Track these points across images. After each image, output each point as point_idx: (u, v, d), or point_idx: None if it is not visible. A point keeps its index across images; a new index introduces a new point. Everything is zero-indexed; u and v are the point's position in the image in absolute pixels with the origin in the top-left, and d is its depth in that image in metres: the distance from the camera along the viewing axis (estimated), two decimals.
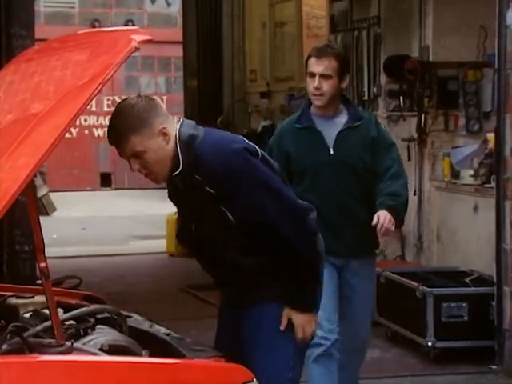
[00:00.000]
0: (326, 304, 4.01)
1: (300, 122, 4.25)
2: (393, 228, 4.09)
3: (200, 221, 3.11)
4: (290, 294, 3.10)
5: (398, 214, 4.13)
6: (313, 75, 4.16)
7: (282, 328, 3.09)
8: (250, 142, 3.13)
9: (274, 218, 3.02)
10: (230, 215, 3.01)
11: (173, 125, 3.02)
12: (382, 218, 4.06)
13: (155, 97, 3.14)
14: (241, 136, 3.20)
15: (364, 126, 4.24)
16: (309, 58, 4.20)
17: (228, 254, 3.10)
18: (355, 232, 4.21)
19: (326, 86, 4.14)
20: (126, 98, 3.01)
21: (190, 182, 3.00)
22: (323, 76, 4.14)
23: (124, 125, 2.91)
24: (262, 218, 3.02)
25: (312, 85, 4.16)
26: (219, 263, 3.15)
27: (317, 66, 4.15)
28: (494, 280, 5.64)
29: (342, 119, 4.24)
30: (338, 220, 4.19)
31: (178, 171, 2.98)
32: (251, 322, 3.13)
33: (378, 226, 4.06)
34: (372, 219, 4.10)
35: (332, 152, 4.21)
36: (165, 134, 2.97)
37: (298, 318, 3.10)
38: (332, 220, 4.14)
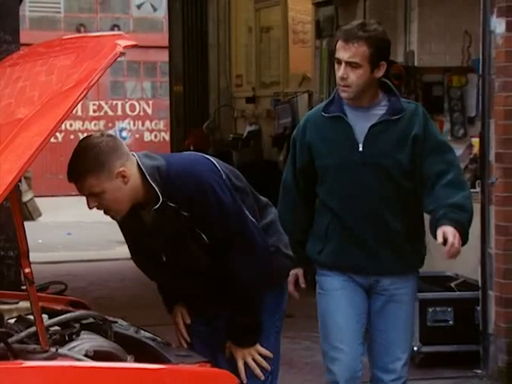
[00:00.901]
0: (344, 335, 3.52)
1: (328, 110, 3.56)
2: (460, 248, 3.37)
3: (174, 248, 3.12)
4: (228, 329, 3.17)
5: (465, 233, 3.41)
6: (339, 62, 3.47)
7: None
8: (211, 159, 3.17)
9: (229, 237, 3.08)
10: (203, 235, 3.06)
11: (133, 163, 3.03)
12: (451, 235, 3.32)
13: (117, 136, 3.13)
14: (199, 154, 3.23)
15: (406, 120, 3.50)
16: (337, 40, 3.53)
17: (208, 270, 3.14)
18: (386, 246, 3.53)
19: (354, 77, 3.44)
20: (90, 136, 3.02)
21: (164, 211, 3.02)
22: (350, 64, 3.44)
23: (82, 166, 2.94)
24: (221, 236, 3.07)
25: (338, 73, 3.48)
26: (201, 280, 3.18)
27: (343, 52, 3.45)
28: (479, 284, 5.66)
29: (380, 111, 3.52)
30: (364, 231, 3.52)
31: (158, 204, 3.01)
32: None
33: (448, 245, 3.32)
34: (410, 233, 3.52)
35: (361, 149, 3.50)
36: (123, 177, 2.99)
37: (237, 352, 3.18)
38: (355, 230, 3.53)
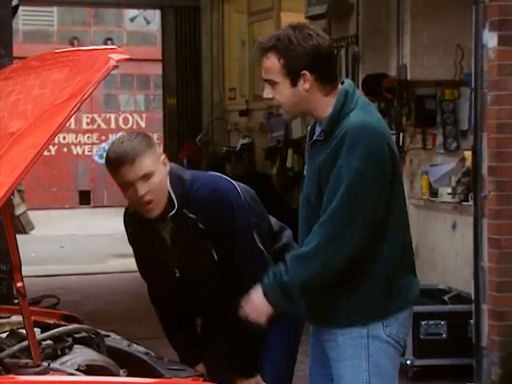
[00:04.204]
0: None
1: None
2: (258, 316, 2.84)
3: (188, 263, 3.16)
4: (230, 359, 3.20)
5: (271, 298, 2.83)
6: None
7: None
8: (233, 182, 3.22)
9: (233, 258, 3.12)
10: (213, 251, 3.11)
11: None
12: (248, 302, 2.85)
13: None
14: (222, 175, 3.27)
15: (329, 143, 2.85)
16: None
17: (216, 290, 3.18)
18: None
19: (277, 96, 2.88)
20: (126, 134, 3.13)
21: (182, 221, 3.08)
22: (269, 82, 2.89)
23: (138, 144, 3.02)
24: (226, 255, 3.11)
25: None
26: (209, 299, 3.22)
27: (262, 69, 2.90)
28: (472, 298, 5.65)
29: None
30: None
31: (174, 210, 3.06)
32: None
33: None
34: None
35: (305, 172, 2.98)
36: (165, 164, 3.08)
37: (237, 381, 3.21)
38: None
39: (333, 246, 2.79)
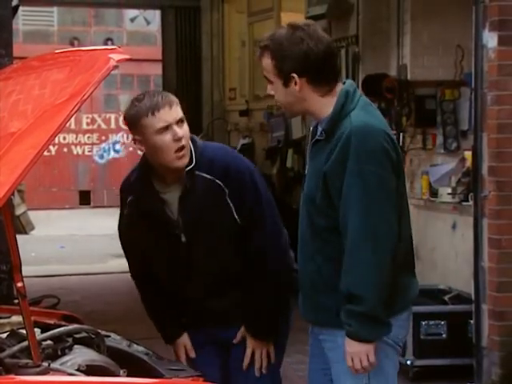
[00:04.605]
0: None
1: None
2: (365, 357, 2.81)
3: (197, 228, 3.15)
4: (247, 319, 3.20)
5: (364, 336, 2.80)
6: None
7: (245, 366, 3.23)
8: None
9: (258, 218, 3.16)
10: (233, 209, 3.14)
11: None
12: (349, 359, 2.82)
13: None
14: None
15: (332, 144, 2.84)
16: None
17: (225, 257, 3.18)
18: (302, 291, 2.99)
19: (276, 94, 2.94)
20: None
21: (194, 181, 3.14)
22: (267, 80, 2.96)
23: (168, 94, 3.19)
24: (250, 214, 3.16)
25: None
26: (212, 271, 3.20)
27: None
28: (473, 298, 5.66)
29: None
30: (299, 269, 3.01)
31: (191, 165, 3.15)
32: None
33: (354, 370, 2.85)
34: (325, 282, 2.87)
35: (306, 171, 2.99)
36: None
37: (251, 340, 3.22)
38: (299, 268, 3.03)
39: (372, 253, 2.78)
